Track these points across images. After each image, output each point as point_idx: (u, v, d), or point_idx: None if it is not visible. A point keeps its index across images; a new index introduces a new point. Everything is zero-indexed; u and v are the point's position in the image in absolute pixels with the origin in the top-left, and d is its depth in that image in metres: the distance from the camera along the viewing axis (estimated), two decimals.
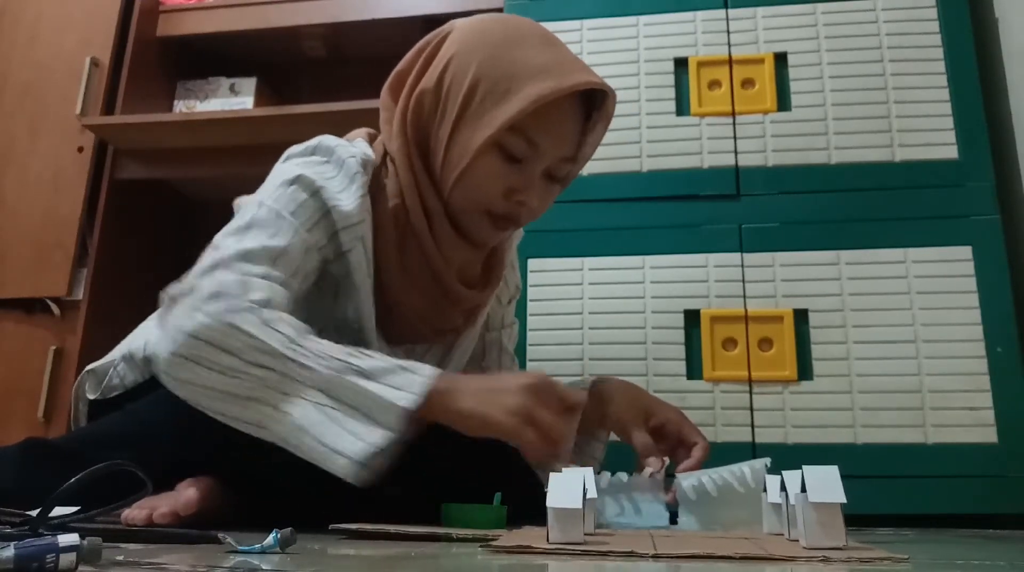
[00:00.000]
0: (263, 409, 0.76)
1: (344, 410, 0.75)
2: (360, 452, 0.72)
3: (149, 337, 0.92)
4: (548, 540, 0.60)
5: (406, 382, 0.76)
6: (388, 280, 0.92)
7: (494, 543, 0.61)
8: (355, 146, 0.93)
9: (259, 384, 0.76)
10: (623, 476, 0.91)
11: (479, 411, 0.77)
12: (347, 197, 0.88)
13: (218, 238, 0.85)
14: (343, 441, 0.73)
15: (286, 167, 0.91)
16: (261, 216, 0.85)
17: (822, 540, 0.60)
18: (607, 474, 0.92)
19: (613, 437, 1.05)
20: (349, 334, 0.90)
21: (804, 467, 0.62)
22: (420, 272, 0.94)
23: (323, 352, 0.77)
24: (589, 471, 0.69)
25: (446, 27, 0.96)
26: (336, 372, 0.76)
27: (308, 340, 0.78)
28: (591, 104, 0.95)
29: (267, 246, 0.83)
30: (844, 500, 0.60)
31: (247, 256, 0.82)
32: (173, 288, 0.81)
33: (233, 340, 0.75)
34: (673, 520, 0.91)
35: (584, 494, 0.62)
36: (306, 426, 0.74)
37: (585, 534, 0.63)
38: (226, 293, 0.78)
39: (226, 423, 0.77)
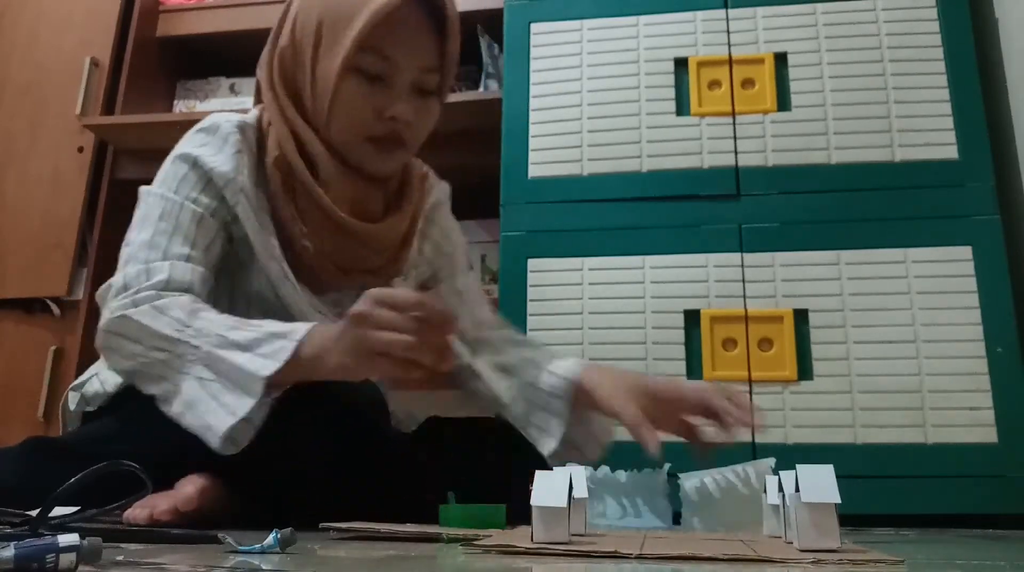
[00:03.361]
0: (166, 386, 0.83)
1: (222, 383, 0.80)
2: (225, 425, 0.77)
3: None
4: (532, 540, 0.59)
5: (274, 350, 0.80)
6: (288, 229, 0.95)
7: (477, 542, 0.61)
8: (237, 115, 0.99)
9: (160, 365, 0.83)
10: (622, 474, 0.90)
11: (340, 364, 0.78)
12: (221, 158, 0.94)
13: (128, 234, 0.94)
14: (215, 416, 0.79)
15: (175, 148, 0.99)
16: (151, 204, 0.94)
17: (816, 541, 0.58)
18: (605, 469, 0.90)
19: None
20: (261, 304, 0.94)
21: (798, 466, 0.61)
22: (313, 213, 0.96)
23: (209, 330, 0.83)
24: (579, 470, 0.68)
25: None
26: (216, 347, 0.81)
27: (198, 319, 0.84)
28: (439, 17, 0.96)
29: (160, 228, 0.91)
30: (838, 500, 0.58)
31: (147, 245, 0.90)
32: (101, 289, 0.90)
33: (133, 330, 0.84)
34: (677, 521, 0.90)
35: (570, 493, 0.61)
36: (192, 401, 0.81)
37: (575, 534, 0.63)
38: (130, 284, 0.87)
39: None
